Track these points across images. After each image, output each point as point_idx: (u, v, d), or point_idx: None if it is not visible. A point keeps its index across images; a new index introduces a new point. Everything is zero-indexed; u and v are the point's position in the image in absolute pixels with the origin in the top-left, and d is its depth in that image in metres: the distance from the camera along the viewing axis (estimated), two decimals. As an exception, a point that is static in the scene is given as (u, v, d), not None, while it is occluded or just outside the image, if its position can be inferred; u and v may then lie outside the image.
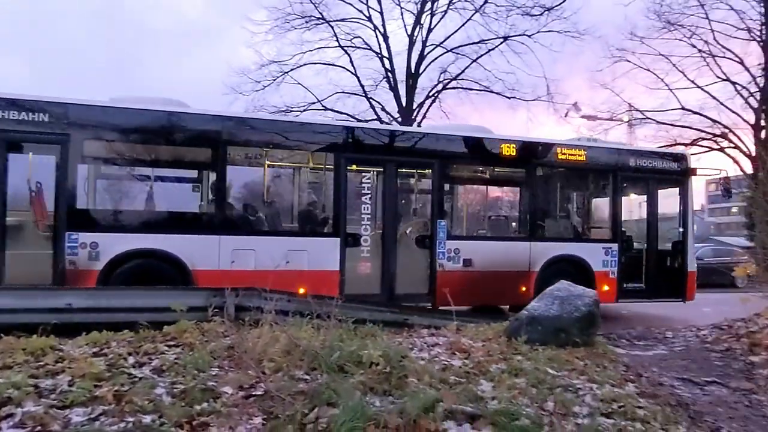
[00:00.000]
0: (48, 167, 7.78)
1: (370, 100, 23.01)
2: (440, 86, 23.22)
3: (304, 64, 22.58)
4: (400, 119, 22.93)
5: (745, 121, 23.96)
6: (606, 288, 10.06)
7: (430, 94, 23.27)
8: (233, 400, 3.40)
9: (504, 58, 22.01)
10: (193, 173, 9.63)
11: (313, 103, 22.70)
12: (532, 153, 10.36)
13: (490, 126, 10.85)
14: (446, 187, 10.57)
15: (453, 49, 22.77)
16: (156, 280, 7.53)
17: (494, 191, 13.48)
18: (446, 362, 4.69)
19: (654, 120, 25.26)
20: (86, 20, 66.79)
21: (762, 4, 21.78)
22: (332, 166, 9.01)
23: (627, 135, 27.17)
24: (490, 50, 22.24)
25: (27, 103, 7.52)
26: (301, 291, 6.75)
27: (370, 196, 9.18)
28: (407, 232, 9.87)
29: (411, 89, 22.94)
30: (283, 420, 3.16)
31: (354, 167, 9.26)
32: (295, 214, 10.39)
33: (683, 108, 24.52)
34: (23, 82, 64.34)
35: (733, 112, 24.01)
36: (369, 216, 9.05)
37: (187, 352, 4.27)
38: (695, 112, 24.37)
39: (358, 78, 22.77)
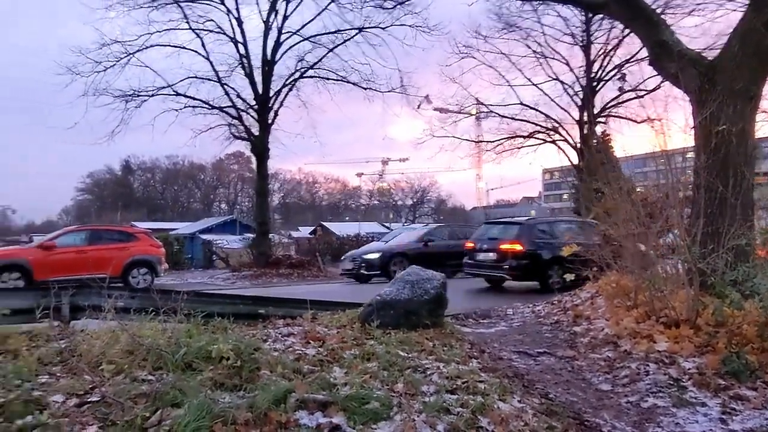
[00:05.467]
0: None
1: (225, 86, 22.15)
2: (297, 74, 22.91)
3: (152, 46, 21.07)
4: (256, 106, 22.36)
5: (571, 116, 26.79)
6: None
7: (287, 82, 22.87)
8: (63, 409, 3.09)
9: (360, 49, 22.31)
10: None
11: (163, 87, 21.33)
12: None
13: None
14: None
15: (309, 37, 22.56)
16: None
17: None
18: (300, 351, 4.66)
19: (497, 113, 27.29)
20: None
21: (582, 13, 24.23)
22: None
23: (474, 127, 29.02)
24: (346, 41, 22.28)
25: None
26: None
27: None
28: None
29: (267, 76, 22.40)
30: (122, 426, 2.93)
31: None
32: None
33: (521, 103, 26.90)
34: None
35: (562, 108, 26.77)
36: None
37: (10, 360, 3.85)
38: (531, 108, 26.84)
39: (211, 63, 21.81)
